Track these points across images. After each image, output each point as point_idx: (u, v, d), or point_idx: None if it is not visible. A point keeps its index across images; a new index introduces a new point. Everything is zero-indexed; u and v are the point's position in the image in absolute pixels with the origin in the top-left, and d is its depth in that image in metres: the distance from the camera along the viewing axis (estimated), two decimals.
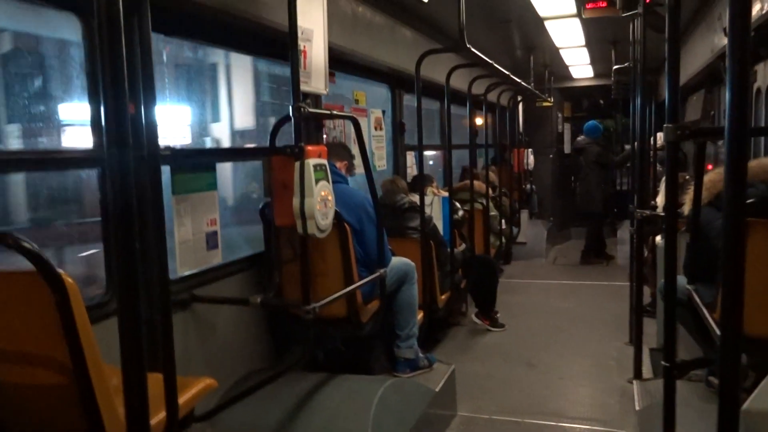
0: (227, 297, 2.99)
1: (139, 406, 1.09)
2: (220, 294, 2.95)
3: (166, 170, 2.67)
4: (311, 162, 2.40)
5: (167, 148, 2.59)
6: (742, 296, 1.05)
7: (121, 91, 0.99)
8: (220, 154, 3.16)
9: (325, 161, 2.51)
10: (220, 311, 2.94)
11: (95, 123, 2.35)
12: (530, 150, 9.34)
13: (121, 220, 1.03)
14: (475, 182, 5.89)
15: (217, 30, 2.93)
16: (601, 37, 6.59)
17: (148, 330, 1.99)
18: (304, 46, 2.84)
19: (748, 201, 2.52)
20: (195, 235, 2.86)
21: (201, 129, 2.43)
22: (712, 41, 4.76)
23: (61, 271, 1.45)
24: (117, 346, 1.25)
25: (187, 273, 2.78)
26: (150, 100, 1.63)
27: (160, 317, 1.73)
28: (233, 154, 3.36)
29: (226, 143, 4.64)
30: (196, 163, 2.87)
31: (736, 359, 1.11)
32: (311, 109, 2.46)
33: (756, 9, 3.30)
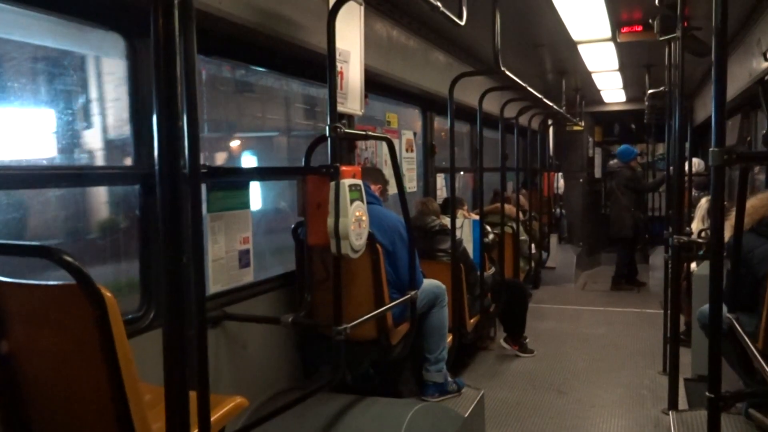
0: (258, 315, 2.99)
1: (180, 425, 1.08)
2: (252, 312, 2.95)
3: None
4: (346, 182, 2.40)
5: (204, 166, 2.63)
6: None
7: (175, 110, 1.00)
8: (255, 173, 3.19)
9: (360, 181, 2.51)
10: (250, 329, 2.94)
11: (138, 140, 2.38)
12: (560, 174, 9.27)
13: (170, 238, 1.03)
14: (506, 206, 5.85)
15: (257, 51, 2.98)
16: (635, 61, 6.54)
17: (185, 347, 1.99)
18: (341, 68, 2.86)
19: None
20: (228, 253, 2.88)
21: (67, 138, 2.42)
22: (751, 65, 4.69)
23: (101, 285, 1.47)
24: (148, 362, 1.24)
25: (219, 290, 2.79)
26: (193, 119, 1.65)
27: (195, 334, 1.73)
28: (268, 173, 3.38)
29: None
30: (231, 181, 2.90)
31: None
32: (347, 130, 2.48)
33: None
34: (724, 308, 2.67)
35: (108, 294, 1.47)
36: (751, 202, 2.84)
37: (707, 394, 1.71)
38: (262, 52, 3.01)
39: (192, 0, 1.62)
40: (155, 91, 1.00)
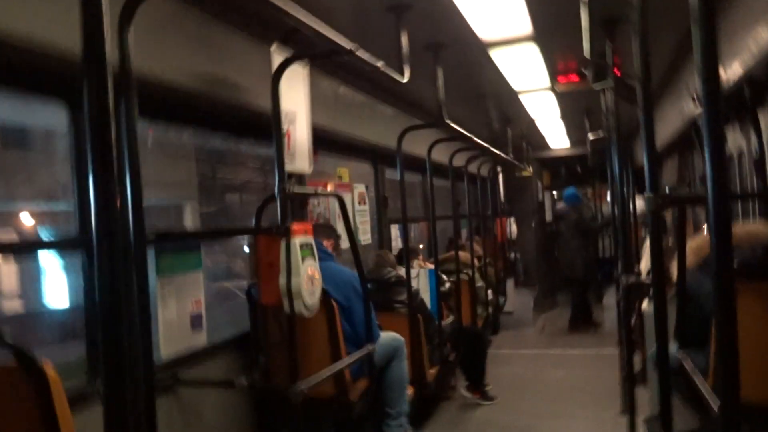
0: (213, 379, 2.91)
1: None
2: (206, 376, 2.87)
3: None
4: (297, 241, 2.40)
5: (152, 232, 2.59)
6: (737, 363, 1.05)
7: (111, 178, 1.00)
8: (206, 235, 3.16)
9: (311, 239, 2.52)
10: (205, 394, 2.86)
11: (81, 208, 2.34)
12: (512, 219, 9.45)
13: (109, 309, 1.01)
14: (460, 253, 5.91)
15: (203, 114, 2.99)
16: (574, 108, 6.80)
17: (135, 419, 1.92)
18: (288, 128, 2.90)
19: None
20: (179, 317, 2.81)
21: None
22: (682, 108, 4.93)
23: (44, 362, 1.42)
24: None
25: (171, 356, 2.72)
26: (136, 186, 1.64)
27: (143, 404, 1.67)
28: (218, 234, 3.36)
29: None
30: (181, 244, 2.86)
31: (737, 429, 1.09)
32: (296, 189, 2.49)
33: (722, 79, 3.44)
34: (675, 346, 2.74)
35: (51, 372, 1.43)
36: (697, 242, 2.93)
37: None
38: (209, 115, 3.03)
39: (131, 68, 1.64)
40: (90, 157, 1.00)
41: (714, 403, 1.81)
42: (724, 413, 1.06)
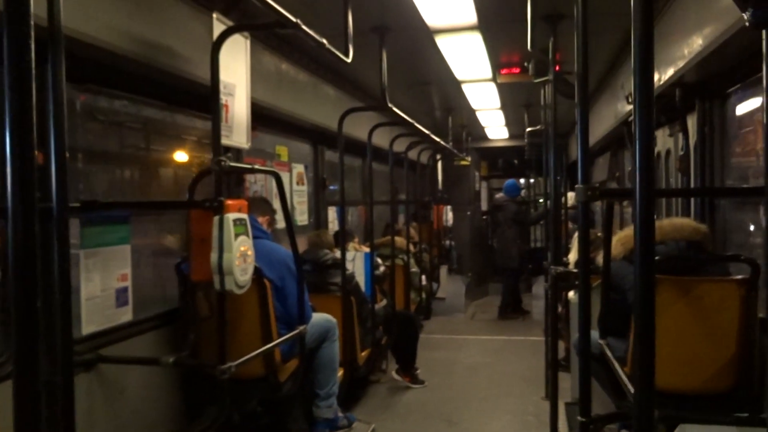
0: (137, 357, 2.82)
1: None
2: (131, 353, 2.79)
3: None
4: (231, 216, 2.35)
5: (77, 200, 2.49)
6: (653, 351, 1.09)
7: (29, 142, 0.94)
8: (135, 206, 3.05)
9: (245, 216, 2.47)
10: (129, 372, 2.77)
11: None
12: (449, 207, 9.57)
13: (22, 278, 0.96)
14: (396, 238, 5.94)
15: (138, 81, 2.88)
16: (515, 101, 6.93)
17: (49, 394, 1.85)
18: (226, 101, 2.82)
19: (657, 258, 2.67)
20: (104, 291, 2.72)
21: None
22: (616, 108, 5.10)
23: None
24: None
25: (93, 331, 2.62)
26: (61, 151, 1.55)
27: (61, 380, 1.61)
28: (149, 206, 3.25)
29: None
30: (109, 215, 2.76)
31: (650, 413, 1.14)
32: (232, 163, 2.43)
33: (654, 80, 3.57)
34: (597, 334, 2.84)
35: None
36: (625, 232, 3.05)
37: (578, 418, 1.79)
38: (144, 82, 2.91)
39: (60, 25, 1.55)
40: (8, 118, 0.94)
41: (630, 389, 1.90)
42: (640, 398, 1.10)
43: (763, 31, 0.57)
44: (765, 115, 0.58)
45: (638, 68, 1.10)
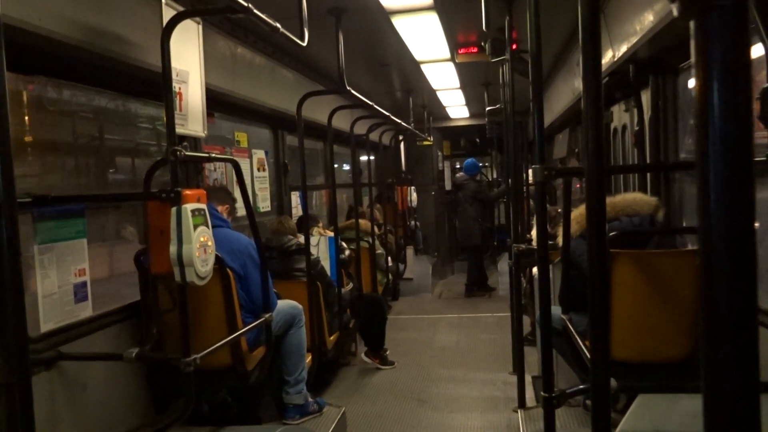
0: (99, 353, 2.77)
1: None
2: (92, 350, 2.73)
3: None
4: (189, 207, 2.31)
5: (28, 194, 2.42)
6: (609, 324, 1.11)
7: None
8: (89, 199, 2.98)
9: (204, 206, 2.43)
10: (92, 368, 2.72)
11: None
12: (413, 188, 9.61)
13: None
14: (361, 221, 5.94)
15: (84, 69, 2.79)
16: (474, 80, 6.95)
17: (7, 395, 1.80)
18: (179, 88, 2.76)
19: (611, 234, 2.72)
20: (61, 287, 2.66)
21: None
22: (573, 84, 5.16)
23: None
24: None
25: (52, 328, 2.56)
26: (4, 143, 1.50)
27: (17, 380, 1.57)
28: (104, 199, 3.17)
29: None
30: (63, 209, 2.69)
31: (606, 384, 1.17)
32: (188, 153, 2.39)
33: (608, 56, 3.62)
34: (560, 309, 2.90)
35: None
36: (580, 210, 3.09)
37: (542, 393, 1.83)
38: (93, 71, 2.83)
39: None
40: None
41: (590, 364, 1.94)
42: (596, 369, 1.12)
43: (691, 22, 0.58)
44: (696, 106, 0.59)
45: (585, 44, 1.11)
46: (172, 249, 2.30)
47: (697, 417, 0.64)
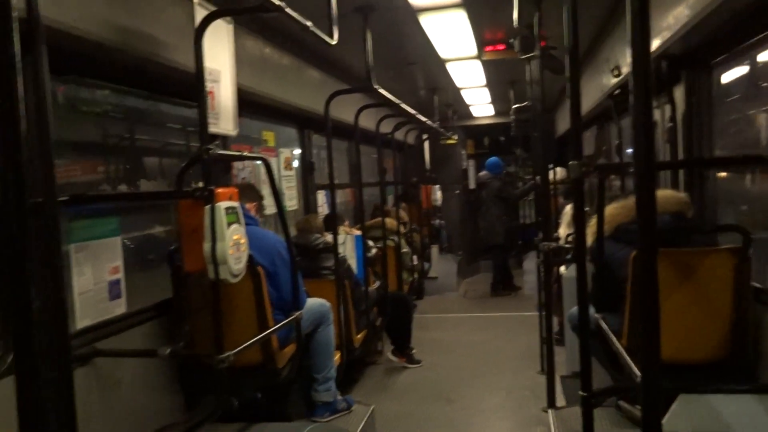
0: (133, 349, 2.81)
1: None
2: (126, 346, 2.77)
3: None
4: (222, 205, 2.32)
5: (65, 194, 2.45)
6: (658, 324, 1.09)
7: (17, 137, 0.91)
8: (122, 198, 3.01)
9: (236, 204, 2.44)
10: (125, 364, 2.76)
11: None
12: (437, 186, 9.57)
13: (16, 275, 0.94)
14: (387, 219, 5.94)
15: (119, 70, 2.82)
16: (500, 78, 6.90)
17: (50, 390, 1.83)
18: (212, 87, 2.77)
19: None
20: (96, 285, 2.69)
21: None
22: (601, 82, 5.09)
23: None
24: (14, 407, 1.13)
25: (87, 325, 2.60)
26: (46, 146, 1.52)
27: (59, 376, 1.59)
28: (137, 198, 3.21)
29: None
30: (96, 209, 2.72)
31: (657, 385, 1.14)
32: (220, 151, 2.40)
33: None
34: (592, 309, 2.86)
35: None
36: (608, 210, 3.03)
37: (580, 392, 1.80)
38: (127, 71, 2.86)
39: (39, 17, 1.51)
40: None
41: (630, 364, 1.91)
42: (647, 371, 1.10)
43: None
44: None
45: (633, 37, 1.08)
46: (206, 247, 2.31)
47: (739, 418, 0.62)
